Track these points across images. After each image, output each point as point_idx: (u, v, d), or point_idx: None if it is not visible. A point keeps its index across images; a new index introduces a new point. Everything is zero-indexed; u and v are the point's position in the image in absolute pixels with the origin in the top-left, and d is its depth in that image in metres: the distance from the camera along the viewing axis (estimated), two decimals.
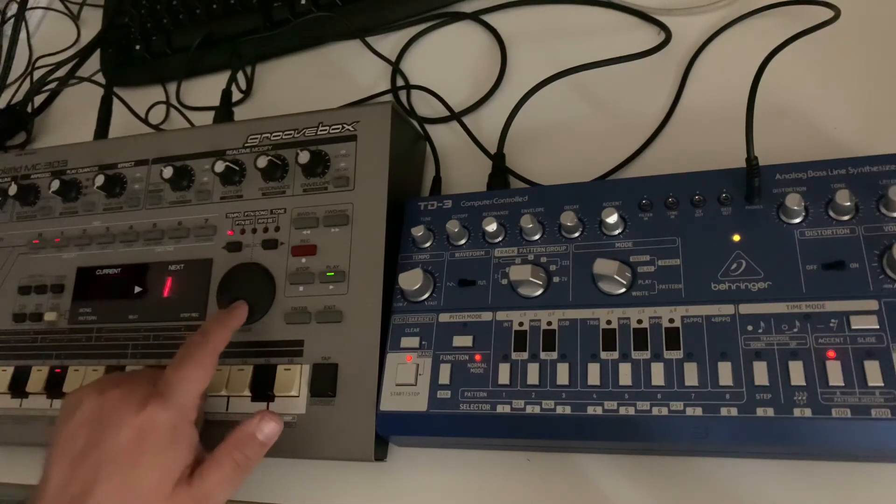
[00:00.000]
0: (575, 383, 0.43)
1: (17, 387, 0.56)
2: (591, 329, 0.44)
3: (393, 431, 0.47)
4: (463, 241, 0.50)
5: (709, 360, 0.41)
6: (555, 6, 0.63)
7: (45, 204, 0.63)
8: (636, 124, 0.55)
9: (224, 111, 0.65)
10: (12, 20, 0.82)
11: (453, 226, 0.49)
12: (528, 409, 0.43)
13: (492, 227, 0.48)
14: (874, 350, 0.39)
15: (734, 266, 0.43)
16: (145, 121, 0.72)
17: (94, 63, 0.80)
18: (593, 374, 0.43)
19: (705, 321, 0.42)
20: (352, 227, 0.52)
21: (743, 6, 0.56)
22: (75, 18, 0.88)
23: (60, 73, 0.78)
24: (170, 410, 0.42)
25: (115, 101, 0.71)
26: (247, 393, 0.50)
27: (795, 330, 0.40)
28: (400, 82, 0.65)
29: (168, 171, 0.57)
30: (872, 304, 0.40)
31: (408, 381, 0.46)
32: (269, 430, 0.44)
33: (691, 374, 0.41)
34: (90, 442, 0.41)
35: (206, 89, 0.73)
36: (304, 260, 0.52)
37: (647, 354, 0.42)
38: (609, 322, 0.44)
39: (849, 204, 0.41)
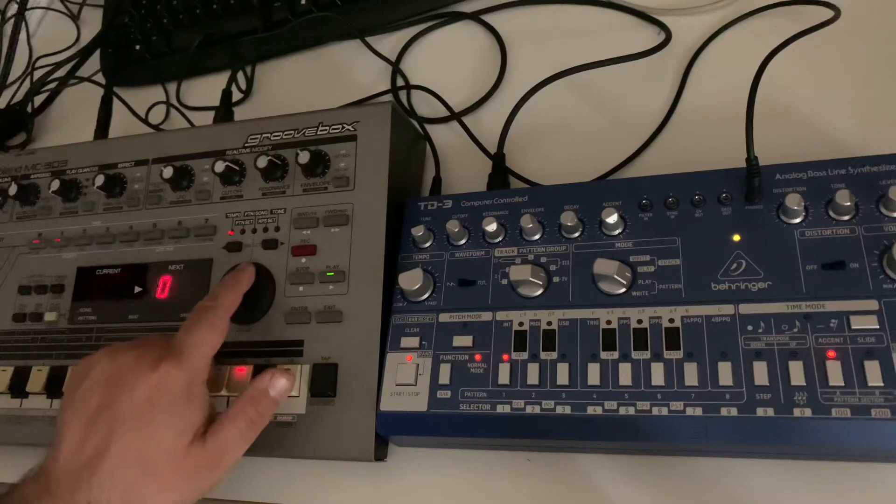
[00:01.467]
0: (575, 383, 0.43)
1: (17, 387, 0.56)
2: (591, 329, 0.44)
3: (393, 431, 0.47)
4: (463, 241, 0.50)
5: (709, 360, 0.41)
6: (555, 6, 0.63)
7: (45, 204, 0.63)
8: (636, 124, 0.55)
9: (224, 111, 0.65)
10: (12, 20, 0.82)
11: (453, 226, 0.49)
12: (528, 409, 0.43)
13: (492, 227, 0.48)
14: (874, 350, 0.39)
15: (734, 266, 0.43)
16: (145, 121, 0.72)
17: (94, 63, 0.81)
18: (593, 374, 0.43)
19: (705, 321, 0.42)
20: (352, 227, 0.52)
21: (743, 6, 0.56)
22: (75, 18, 0.88)
23: (60, 73, 0.78)
24: (183, 370, 0.43)
25: (115, 101, 0.71)
26: None
27: (795, 330, 0.40)
28: (400, 82, 0.65)
29: (168, 171, 0.57)
30: (872, 304, 0.40)
31: (408, 381, 0.46)
32: (280, 385, 0.45)
33: (691, 374, 0.41)
34: (104, 402, 0.42)
35: (206, 89, 0.74)
36: (304, 260, 0.52)
37: (647, 354, 0.42)
38: (609, 322, 0.44)
39: (849, 204, 0.41)
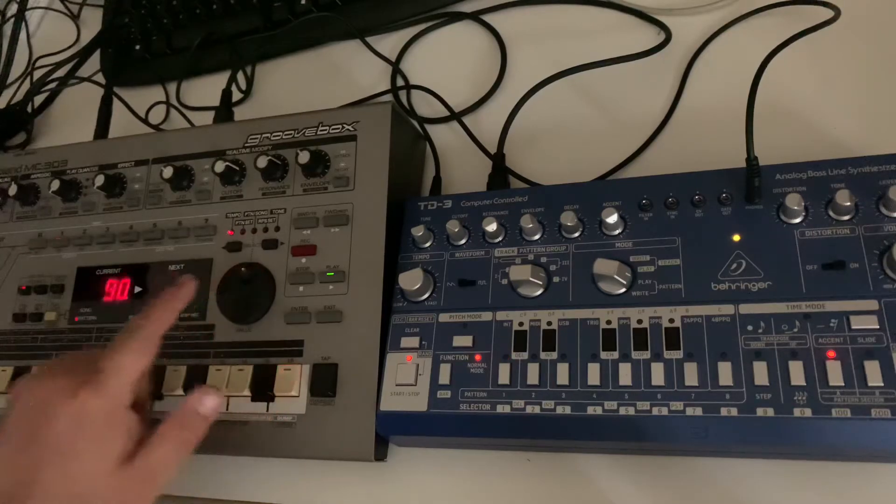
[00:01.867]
0: (575, 383, 0.43)
1: None
2: (591, 329, 0.44)
3: (393, 431, 0.47)
4: (463, 241, 0.50)
5: (709, 360, 0.41)
6: (555, 6, 0.63)
7: (45, 204, 0.63)
8: (636, 124, 0.55)
9: (224, 111, 0.65)
10: (12, 20, 0.82)
11: (453, 226, 0.49)
12: (528, 409, 0.43)
13: (492, 227, 0.48)
14: (874, 350, 0.39)
15: (734, 266, 0.43)
16: (145, 121, 0.72)
17: (94, 63, 0.81)
18: (593, 374, 0.43)
19: (705, 321, 0.42)
20: (352, 227, 0.52)
21: (743, 6, 0.56)
22: (75, 18, 0.88)
23: (60, 73, 0.78)
24: (102, 398, 0.42)
25: (115, 101, 0.71)
26: (247, 393, 0.50)
27: (795, 330, 0.40)
28: (400, 82, 0.65)
29: (168, 171, 0.57)
30: (872, 304, 0.40)
31: (408, 381, 0.46)
32: (209, 403, 0.45)
33: (691, 374, 0.41)
34: (30, 434, 0.42)
35: (206, 89, 0.73)
36: (304, 260, 0.52)
37: (647, 354, 0.42)
38: (609, 322, 0.44)
39: (849, 204, 0.41)
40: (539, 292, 0.46)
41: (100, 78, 0.78)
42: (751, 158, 0.43)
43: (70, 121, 0.80)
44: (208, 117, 0.66)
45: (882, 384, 0.38)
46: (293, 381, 0.49)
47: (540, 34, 0.63)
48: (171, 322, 0.47)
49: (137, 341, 0.45)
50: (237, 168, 0.56)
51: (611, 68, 0.57)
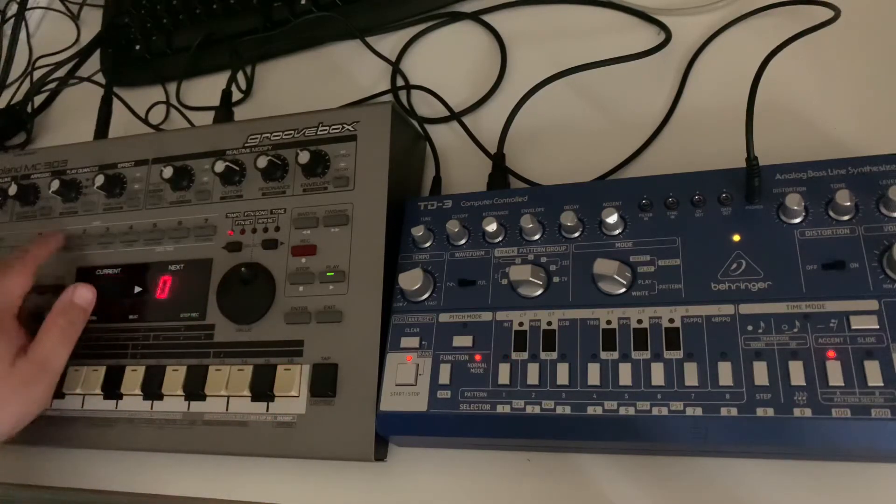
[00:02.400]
0: (575, 383, 0.43)
1: None
2: (591, 329, 0.44)
3: (393, 431, 0.47)
4: (463, 241, 0.50)
5: (709, 360, 0.41)
6: (555, 6, 0.63)
7: (45, 204, 0.63)
8: (636, 124, 0.55)
9: (224, 111, 0.65)
10: (12, 20, 0.82)
11: (453, 226, 0.49)
12: (528, 409, 0.43)
13: (492, 227, 0.48)
14: (874, 350, 0.39)
15: (734, 266, 0.43)
16: (145, 121, 0.72)
17: (94, 63, 0.81)
18: (593, 374, 0.43)
19: (705, 321, 0.42)
20: (352, 227, 0.52)
21: (743, 6, 0.56)
22: (75, 18, 0.88)
23: (60, 73, 0.78)
24: None
25: (115, 101, 0.71)
26: (246, 393, 0.50)
27: (795, 330, 0.40)
28: (400, 82, 0.65)
29: (168, 171, 0.57)
30: (872, 304, 0.40)
31: (408, 381, 0.46)
32: (82, 294, 0.54)
33: (691, 374, 0.41)
34: None
35: (206, 89, 0.73)
36: (304, 260, 0.52)
37: (647, 354, 0.42)
38: (609, 322, 0.44)
39: (849, 204, 0.41)
40: (539, 292, 0.46)
41: (100, 78, 0.78)
42: (751, 158, 0.43)
43: (70, 121, 0.80)
44: (208, 117, 0.66)
45: (882, 384, 0.38)
46: (293, 381, 0.49)
47: (540, 34, 0.63)
48: (45, 257, 0.56)
49: (19, 265, 0.54)
50: (237, 168, 0.56)
51: (611, 68, 0.57)
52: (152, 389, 0.52)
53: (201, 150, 0.58)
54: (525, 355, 0.45)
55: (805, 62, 0.52)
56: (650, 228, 0.46)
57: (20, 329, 0.52)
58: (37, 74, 0.81)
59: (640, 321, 0.43)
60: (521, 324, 0.46)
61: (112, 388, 0.53)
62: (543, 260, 0.48)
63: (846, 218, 0.42)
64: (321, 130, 0.55)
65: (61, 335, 0.51)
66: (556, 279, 0.47)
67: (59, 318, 0.52)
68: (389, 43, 0.68)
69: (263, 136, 0.57)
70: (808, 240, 0.43)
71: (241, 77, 0.71)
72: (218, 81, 0.71)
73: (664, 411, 0.41)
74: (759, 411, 0.39)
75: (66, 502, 0.56)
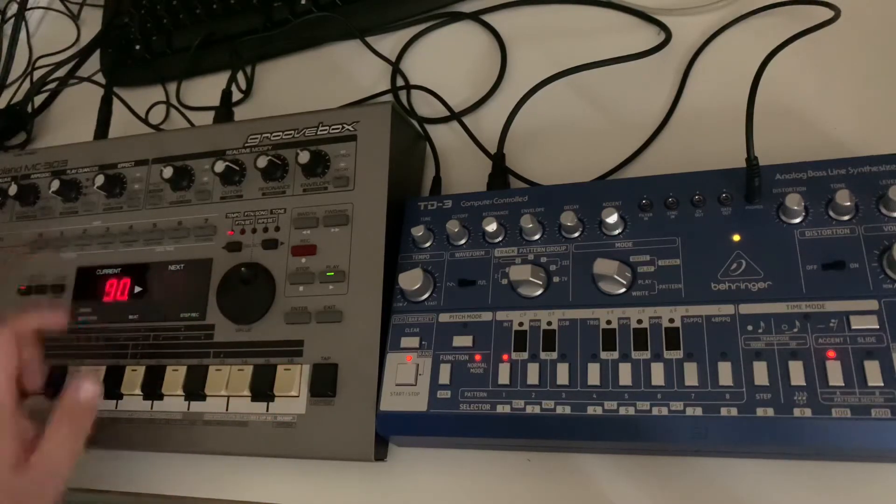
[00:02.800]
0: (575, 383, 0.43)
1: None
2: (591, 329, 0.44)
3: (393, 431, 0.47)
4: (463, 241, 0.50)
5: (709, 360, 0.41)
6: (555, 6, 0.63)
7: (45, 204, 0.63)
8: (636, 124, 0.55)
9: (224, 111, 0.65)
10: (12, 20, 0.82)
11: (453, 226, 0.49)
12: (528, 409, 0.43)
13: (492, 227, 0.48)
14: (874, 350, 0.39)
15: (734, 266, 0.43)
16: (145, 121, 0.72)
17: (94, 63, 0.81)
18: (593, 374, 0.43)
19: (705, 321, 0.42)
20: (352, 227, 0.52)
21: (743, 6, 0.56)
22: (75, 18, 0.88)
23: (60, 73, 0.78)
24: None
25: (115, 101, 0.71)
26: (247, 393, 0.50)
27: (795, 330, 0.40)
28: (400, 82, 0.65)
29: (168, 171, 0.57)
30: (872, 304, 0.40)
31: (408, 381, 0.46)
32: (87, 391, 0.46)
33: (691, 374, 0.41)
34: None
35: (206, 89, 0.73)
36: (304, 260, 0.52)
37: (647, 354, 0.42)
38: (609, 322, 0.44)
39: (849, 204, 0.41)
40: (539, 292, 0.46)
41: (100, 78, 0.78)
42: (751, 158, 0.43)
43: (70, 121, 0.80)
44: (208, 117, 0.66)
45: (882, 384, 0.38)
46: (293, 381, 0.49)
47: (540, 34, 0.63)
48: (33, 326, 0.49)
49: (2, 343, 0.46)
50: (237, 168, 0.56)
51: (611, 68, 0.57)
52: (152, 389, 0.52)
53: (201, 150, 0.58)
54: (525, 355, 0.45)
55: (805, 62, 0.52)
56: (650, 228, 0.46)
57: (22, 420, 0.45)
58: (37, 74, 0.81)
59: (640, 321, 0.43)
60: (521, 324, 0.46)
61: (112, 388, 0.53)
62: (543, 260, 0.48)
63: (846, 218, 0.42)
64: (321, 130, 0.55)
65: (69, 441, 0.45)
66: (556, 279, 0.47)
67: (65, 422, 0.45)
68: (389, 43, 0.68)
69: (263, 136, 0.57)
70: (808, 240, 0.43)
71: (241, 77, 0.71)
72: (218, 81, 0.70)
73: (664, 411, 0.41)
74: (759, 411, 0.39)
75: (65, 502, 0.56)
